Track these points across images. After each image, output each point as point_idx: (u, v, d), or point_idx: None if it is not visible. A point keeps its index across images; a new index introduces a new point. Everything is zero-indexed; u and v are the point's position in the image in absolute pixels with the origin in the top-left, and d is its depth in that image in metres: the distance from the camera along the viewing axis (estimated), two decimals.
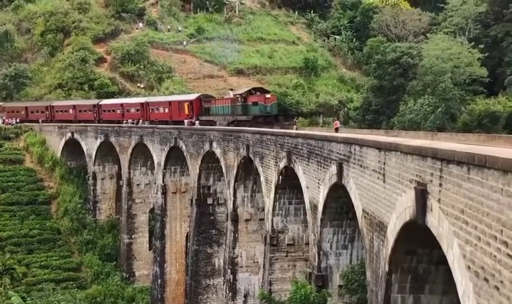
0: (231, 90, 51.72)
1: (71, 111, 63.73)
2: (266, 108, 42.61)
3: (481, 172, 9.83)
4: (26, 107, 67.27)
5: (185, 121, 49.90)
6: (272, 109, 43.35)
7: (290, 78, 70.95)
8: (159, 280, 45.68)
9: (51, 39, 74.58)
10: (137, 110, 57.68)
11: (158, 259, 45.74)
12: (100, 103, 62.70)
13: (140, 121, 56.63)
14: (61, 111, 64.98)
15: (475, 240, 10.11)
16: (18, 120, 65.51)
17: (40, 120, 65.20)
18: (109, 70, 72.50)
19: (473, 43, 51.62)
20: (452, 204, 11.19)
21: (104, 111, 61.46)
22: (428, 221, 12.56)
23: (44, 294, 45.42)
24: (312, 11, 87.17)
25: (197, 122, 48.24)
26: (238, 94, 45.10)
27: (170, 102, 53.56)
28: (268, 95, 43.66)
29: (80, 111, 63.48)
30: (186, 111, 50.21)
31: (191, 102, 50.55)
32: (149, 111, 55.87)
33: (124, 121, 58.06)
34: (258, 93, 44.36)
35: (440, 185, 11.78)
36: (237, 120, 43.19)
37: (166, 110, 53.44)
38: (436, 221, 12.07)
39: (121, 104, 60.26)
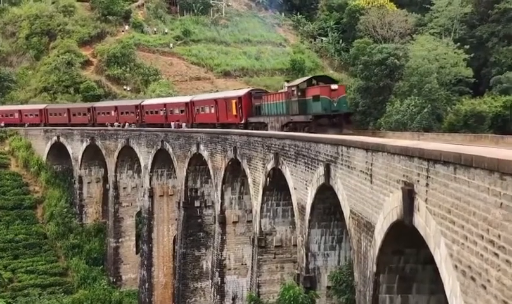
0: (287, 81, 41.36)
1: (113, 112, 57.17)
2: (332, 104, 30.53)
3: (468, 172, 9.82)
4: (69, 109, 62.55)
5: (174, 123, 48.23)
6: (341, 106, 30.91)
7: (277, 80, 70.97)
8: (146, 284, 45.40)
9: (36, 42, 74.00)
10: (181, 111, 49.02)
11: (146, 262, 45.46)
12: (143, 103, 54.88)
13: (184, 124, 47.56)
14: (103, 113, 58.83)
15: (462, 240, 10.09)
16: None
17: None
18: (95, 73, 72.07)
19: (458, 43, 51.97)
20: (439, 203, 11.18)
21: (147, 112, 53.66)
22: (415, 221, 12.54)
23: (30, 299, 44.96)
24: (298, 13, 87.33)
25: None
26: (293, 86, 33.45)
27: (216, 101, 43.67)
28: (334, 86, 31.36)
29: (122, 113, 56.58)
30: (234, 111, 40.38)
31: (239, 99, 39.96)
32: (195, 112, 46.97)
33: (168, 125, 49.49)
34: (320, 83, 32.67)
35: (427, 185, 11.77)
36: (293, 121, 32.83)
37: (213, 110, 43.84)
38: (423, 221, 12.05)
39: (165, 105, 51.35)
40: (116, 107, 57.50)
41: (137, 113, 54.58)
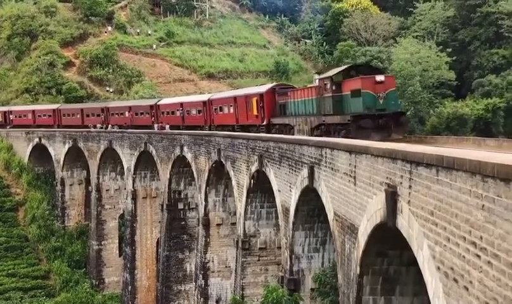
0: (317, 73, 33.79)
1: (127, 113, 52.34)
2: (377, 101, 23.13)
3: (450, 174, 9.89)
4: (82, 110, 58.91)
5: (158, 126, 47.30)
6: (389, 103, 23.36)
7: (261, 82, 71.00)
8: (129, 287, 45.10)
9: (17, 43, 73.19)
10: (199, 112, 43.29)
11: (128, 265, 45.17)
12: (159, 103, 49.58)
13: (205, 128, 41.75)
14: (117, 113, 54.53)
15: (444, 241, 10.16)
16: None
17: (96, 126, 55.39)
18: (78, 74, 71.48)
19: (441, 47, 52.48)
20: (421, 205, 11.24)
21: (163, 113, 48.49)
22: (398, 223, 12.60)
23: (11, 303, 44.43)
24: (282, 15, 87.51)
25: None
26: (326, 78, 26.23)
27: (235, 99, 37.67)
28: (380, 77, 23.53)
29: (136, 114, 51.62)
30: (254, 111, 34.39)
31: (260, 96, 33.97)
32: (213, 113, 41.14)
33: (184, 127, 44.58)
34: (360, 75, 24.68)
35: (410, 187, 11.83)
36: (326, 122, 26.11)
37: (232, 110, 38.16)
38: (406, 223, 12.11)
39: (181, 104, 46.11)
40: (130, 108, 52.76)
41: (152, 114, 49.52)
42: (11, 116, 64.52)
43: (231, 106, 38.21)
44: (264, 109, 33.50)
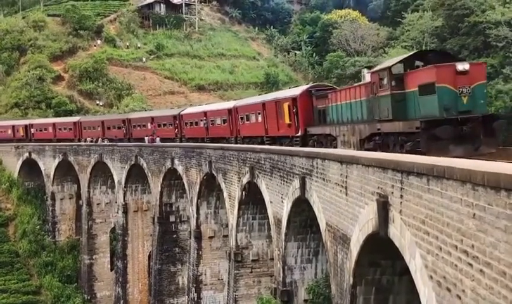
0: (368, 67, 25.84)
1: (149, 125, 48.30)
2: (459, 100, 16.76)
3: (441, 183, 9.93)
4: (103, 122, 55.35)
5: (148, 138, 46.53)
6: (477, 103, 16.93)
7: (252, 94, 71.23)
8: (121, 301, 44.78)
9: (6, 58, 73.08)
10: (224, 122, 38.29)
11: (120, 279, 44.87)
12: (182, 113, 44.81)
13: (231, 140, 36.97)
14: (139, 125, 50.31)
15: (436, 250, 10.18)
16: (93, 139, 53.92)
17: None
18: (67, 88, 71.36)
19: None
20: (413, 215, 11.28)
21: (186, 124, 43.67)
22: (390, 232, 12.62)
23: None
24: (271, 27, 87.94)
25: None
26: (381, 71, 19.67)
27: (263, 105, 32.28)
28: (463, 66, 16.84)
29: (159, 126, 47.33)
30: (286, 119, 28.77)
31: (293, 100, 28.31)
32: (239, 123, 35.98)
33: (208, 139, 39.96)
34: (428, 64, 18.05)
35: (401, 196, 11.87)
36: (382, 132, 19.72)
37: (260, 119, 32.61)
38: (398, 233, 12.13)
39: (205, 113, 40.91)
40: (152, 119, 48.28)
41: (175, 125, 45.07)
42: (32, 130, 61.66)
43: (259, 113, 32.51)
44: (298, 117, 27.75)
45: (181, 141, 43.15)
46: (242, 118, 35.50)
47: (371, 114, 20.64)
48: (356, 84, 24.13)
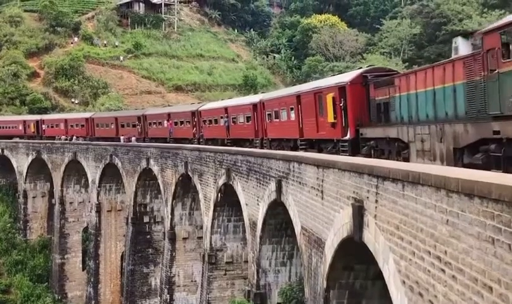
0: (462, 35, 14.53)
1: (165, 123, 42.77)
2: None
3: (416, 189, 9.97)
4: (116, 119, 50.53)
5: (124, 137, 46.36)
6: None
7: (229, 95, 71.19)
8: (93, 302, 44.23)
9: None
10: (247, 119, 31.69)
11: (92, 279, 44.34)
12: (200, 109, 38.90)
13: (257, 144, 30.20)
14: (155, 123, 44.94)
15: (410, 256, 10.22)
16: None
17: (132, 138, 46.37)
18: (43, 85, 70.36)
19: (407, 63, 53.48)
20: (387, 220, 11.31)
21: (205, 121, 37.73)
22: (364, 237, 12.65)
23: None
24: (251, 29, 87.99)
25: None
26: (494, 31, 11.65)
27: (298, 97, 25.17)
28: None
29: (176, 124, 41.84)
30: (330, 116, 21.53)
31: (340, 90, 21.14)
32: (266, 121, 29.26)
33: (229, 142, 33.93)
34: None
35: (376, 201, 11.89)
36: (501, 137, 11.56)
37: (293, 116, 25.65)
38: (372, 237, 12.16)
39: (226, 109, 34.75)
40: (169, 115, 42.84)
41: (194, 123, 39.33)
42: (43, 126, 58.65)
43: (292, 109, 25.68)
44: (347, 113, 20.87)
45: (199, 143, 37.27)
46: (270, 115, 28.57)
47: (480, 106, 12.66)
48: (445, 60, 15.15)
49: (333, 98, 21.36)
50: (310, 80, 52.38)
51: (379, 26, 66.44)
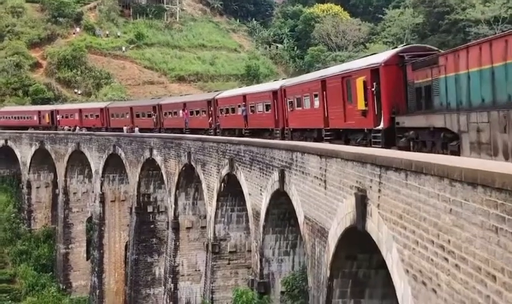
0: None
1: (181, 112, 40.87)
2: None
3: (419, 178, 10.02)
4: (131, 108, 48.95)
5: (127, 128, 46.00)
6: None
7: (232, 86, 71.04)
8: (97, 291, 44.49)
9: None
10: (267, 108, 29.54)
11: (96, 269, 44.58)
12: (217, 97, 36.81)
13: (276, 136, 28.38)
14: (170, 113, 43.28)
15: (413, 245, 10.29)
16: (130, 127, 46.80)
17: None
18: (45, 75, 70.36)
19: None
20: (390, 209, 11.37)
21: (221, 111, 35.56)
22: (367, 226, 12.72)
23: None
24: (253, 19, 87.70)
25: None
26: None
27: (323, 82, 22.56)
28: None
29: (191, 113, 39.96)
30: (360, 103, 19.06)
31: (372, 72, 18.52)
32: (287, 110, 27.04)
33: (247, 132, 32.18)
34: None
35: (379, 191, 11.95)
36: None
37: (317, 104, 23.25)
38: (375, 227, 12.23)
39: (244, 97, 32.59)
40: (184, 105, 40.87)
41: (210, 113, 37.27)
42: (58, 116, 57.32)
43: (316, 95, 23.15)
44: (380, 99, 18.24)
45: (215, 134, 35.52)
46: (291, 103, 26.19)
47: None
48: (508, 31, 12.25)
49: (364, 82, 18.66)
50: (313, 70, 52.25)
51: (381, 15, 66.23)
